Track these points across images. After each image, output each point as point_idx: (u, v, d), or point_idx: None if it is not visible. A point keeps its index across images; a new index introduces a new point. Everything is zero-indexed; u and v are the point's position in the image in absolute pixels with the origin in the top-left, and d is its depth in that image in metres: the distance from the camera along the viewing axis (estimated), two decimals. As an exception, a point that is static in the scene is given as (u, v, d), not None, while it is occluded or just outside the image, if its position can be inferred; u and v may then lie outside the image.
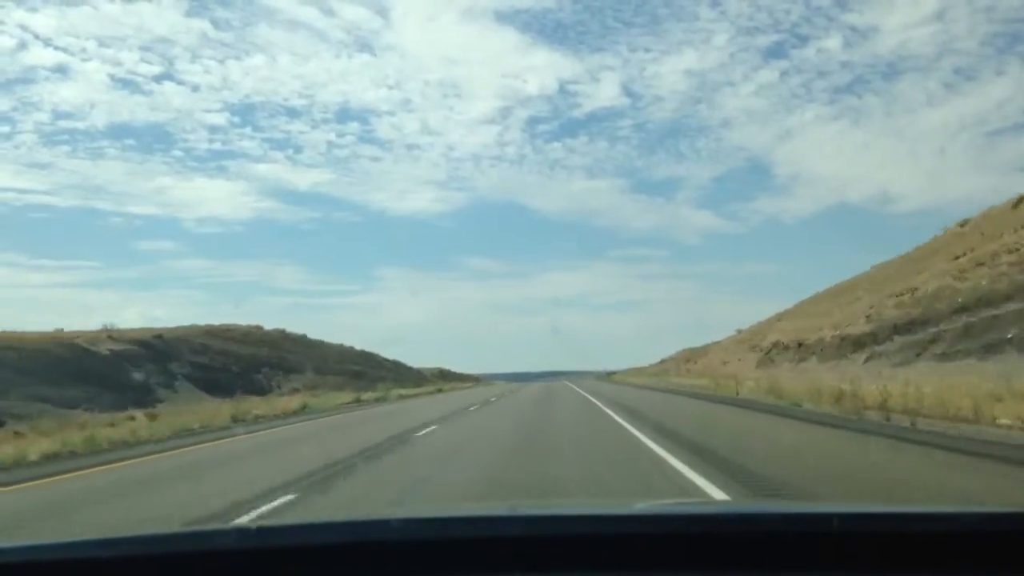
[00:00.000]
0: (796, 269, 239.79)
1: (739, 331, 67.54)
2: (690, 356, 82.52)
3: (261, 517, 6.75)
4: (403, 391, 51.48)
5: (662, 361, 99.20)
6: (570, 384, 66.14)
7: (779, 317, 56.59)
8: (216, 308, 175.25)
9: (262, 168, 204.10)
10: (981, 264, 29.98)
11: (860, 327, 37.45)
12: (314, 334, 73.24)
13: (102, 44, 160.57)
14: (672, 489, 7.56)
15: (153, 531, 2.24)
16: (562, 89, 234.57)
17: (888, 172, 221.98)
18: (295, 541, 1.87)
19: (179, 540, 2.00)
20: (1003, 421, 12.42)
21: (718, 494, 7.08)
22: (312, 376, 59.18)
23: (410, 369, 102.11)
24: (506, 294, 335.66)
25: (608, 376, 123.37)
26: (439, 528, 2.03)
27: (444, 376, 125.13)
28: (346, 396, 43.80)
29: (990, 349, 24.39)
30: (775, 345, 50.35)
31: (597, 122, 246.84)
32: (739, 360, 56.44)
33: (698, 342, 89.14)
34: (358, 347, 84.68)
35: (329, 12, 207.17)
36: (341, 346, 79.25)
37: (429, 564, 1.76)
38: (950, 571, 1.65)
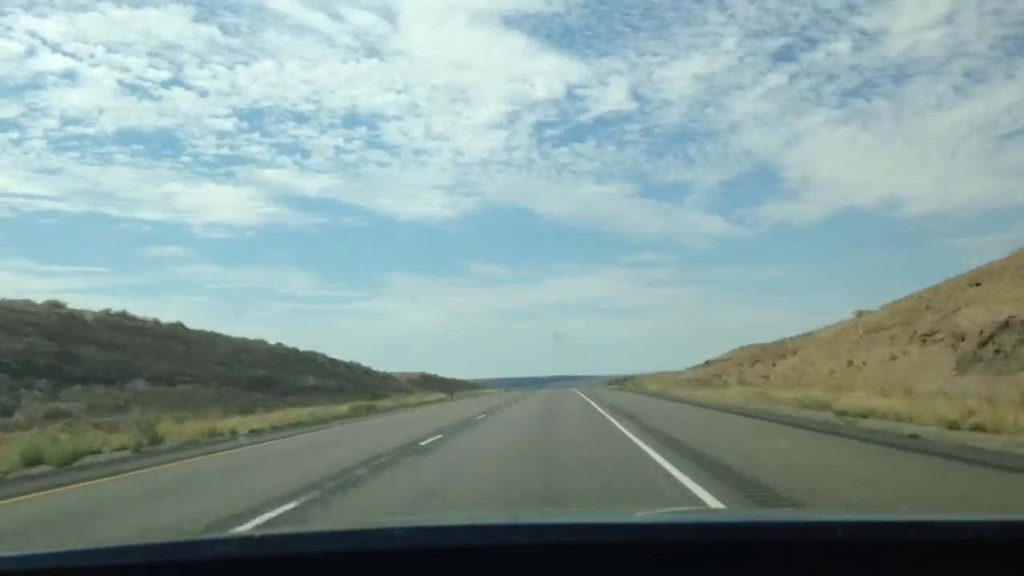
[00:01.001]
0: (805, 273, 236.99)
1: (860, 313, 42.01)
2: (759, 355, 57.11)
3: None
4: (260, 420, 26.42)
5: (707, 363, 73.79)
6: (587, 398, 41.08)
7: (973, 280, 31.10)
8: (225, 313, 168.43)
9: (270, 173, 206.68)
10: None
11: None
12: (317, 339, 49.14)
13: (110, 50, 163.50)
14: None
15: (155, 539, 2.26)
16: (570, 93, 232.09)
17: (897, 176, 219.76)
18: (297, 549, 1.88)
19: (181, 548, 2.00)
20: None
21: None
22: (143, 387, 34.18)
23: (372, 375, 77.12)
24: (513, 299, 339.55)
25: (625, 382, 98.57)
26: (441, 536, 2.00)
27: (427, 383, 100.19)
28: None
29: None
30: (1006, 326, 24.91)
31: (605, 126, 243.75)
32: (894, 359, 31.05)
33: (763, 337, 64.94)
34: (288, 344, 59.75)
35: (337, 17, 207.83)
36: (248, 341, 54.24)
37: (431, 573, 1.76)
38: None
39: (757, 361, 56.42)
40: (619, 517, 2.89)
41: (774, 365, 51.23)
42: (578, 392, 64.29)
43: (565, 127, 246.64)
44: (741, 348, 69.27)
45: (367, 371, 77.41)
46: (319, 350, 68.00)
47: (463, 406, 40.24)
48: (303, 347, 65.25)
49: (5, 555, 1.79)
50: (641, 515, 2.78)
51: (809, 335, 49.74)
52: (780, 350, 53.00)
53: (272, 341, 60.15)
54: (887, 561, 1.69)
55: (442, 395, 66.17)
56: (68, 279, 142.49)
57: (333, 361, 68.52)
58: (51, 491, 10.26)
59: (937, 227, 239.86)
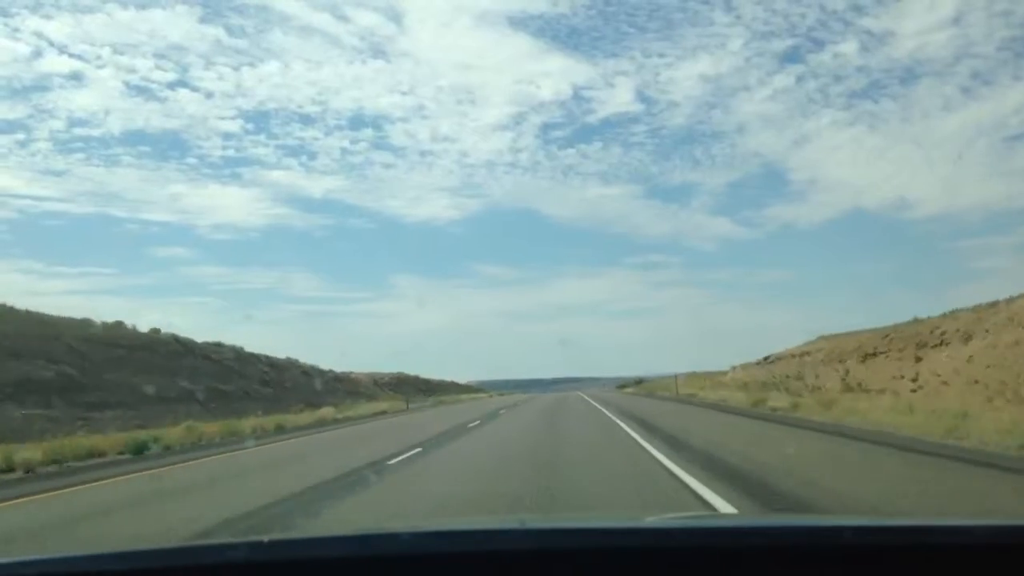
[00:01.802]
0: (812, 276, 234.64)
1: None
2: (875, 346, 37.03)
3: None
4: None
5: (768, 360, 53.84)
6: (624, 424, 21.14)
7: None
8: (231, 315, 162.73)
9: (276, 175, 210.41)
10: None
11: None
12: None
13: (116, 51, 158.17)
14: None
15: (163, 544, 2.31)
16: (576, 95, 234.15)
17: (905, 178, 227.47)
18: (306, 554, 1.87)
19: (189, 553, 1.98)
20: None
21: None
22: None
23: (314, 375, 57.14)
24: (519, 301, 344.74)
25: (642, 384, 78.97)
26: (448, 541, 2.00)
27: (400, 385, 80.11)
28: None
29: None
30: None
31: (611, 128, 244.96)
32: None
33: (791, 337, 46.24)
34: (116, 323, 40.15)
35: (343, 18, 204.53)
36: (53, 320, 34.46)
37: None
38: None
39: (872, 355, 36.21)
40: (626, 522, 2.90)
41: (919, 359, 31.07)
42: (591, 400, 44.25)
43: (571, 128, 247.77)
44: (822, 338, 49.07)
45: (306, 371, 57.44)
46: (229, 342, 48.17)
47: (381, 434, 20.58)
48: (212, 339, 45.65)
49: (6, 561, 1.76)
50: (649, 520, 2.85)
51: (991, 307, 29.53)
52: (922, 336, 32.72)
53: (130, 324, 40.44)
54: (895, 565, 1.68)
55: (386, 406, 45.93)
56: (75, 280, 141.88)
57: (245, 356, 48.61)
58: None
59: (944, 229, 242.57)
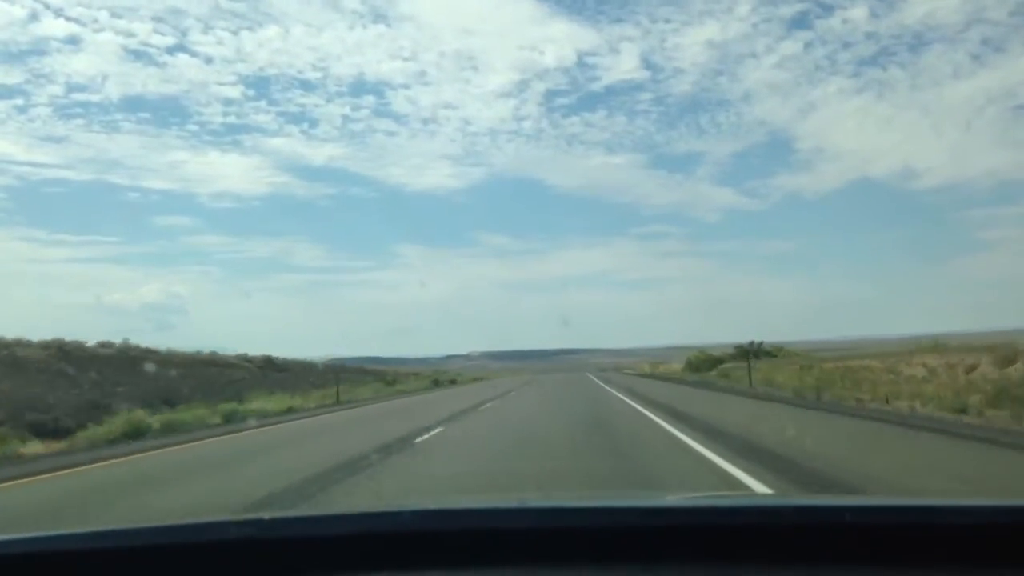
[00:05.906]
0: (818, 246, 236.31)
1: None
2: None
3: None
4: None
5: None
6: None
7: None
8: (234, 285, 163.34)
9: (277, 142, 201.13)
10: None
11: None
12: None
13: (114, 15, 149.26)
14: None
15: (164, 522, 2.17)
16: (580, 61, 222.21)
17: (912, 146, 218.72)
18: (307, 532, 1.88)
19: (191, 531, 1.98)
20: None
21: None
22: None
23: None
24: (522, 271, 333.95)
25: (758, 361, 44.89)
26: (450, 520, 2.00)
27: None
28: None
29: None
30: None
31: (616, 96, 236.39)
32: None
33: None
34: None
35: None
36: None
37: (439, 556, 1.77)
38: (963, 564, 1.64)
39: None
40: (626, 501, 2.89)
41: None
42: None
43: (575, 96, 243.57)
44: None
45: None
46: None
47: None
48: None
49: (13, 538, 1.74)
50: (648, 499, 2.97)
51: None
52: None
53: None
54: (897, 546, 1.67)
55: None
56: (77, 248, 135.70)
57: None
58: None
59: (952, 198, 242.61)
